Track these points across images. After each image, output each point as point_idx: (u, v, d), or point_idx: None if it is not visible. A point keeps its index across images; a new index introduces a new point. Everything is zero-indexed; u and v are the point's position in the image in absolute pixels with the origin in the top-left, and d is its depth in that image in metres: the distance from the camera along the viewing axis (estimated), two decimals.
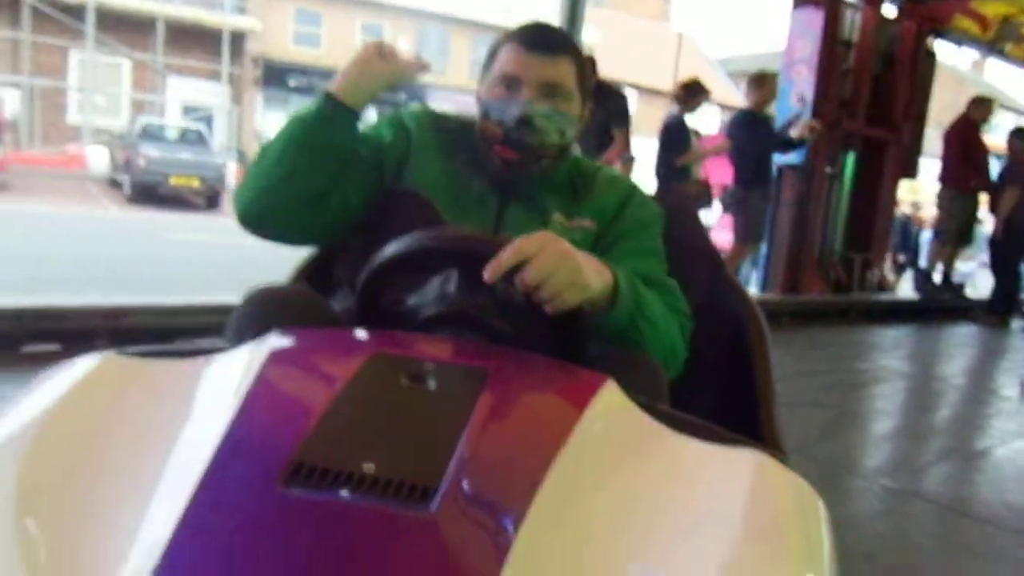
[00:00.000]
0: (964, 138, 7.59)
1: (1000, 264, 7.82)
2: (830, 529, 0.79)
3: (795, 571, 0.67)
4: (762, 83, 5.58)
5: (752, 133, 5.55)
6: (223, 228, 10.97)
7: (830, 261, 7.65)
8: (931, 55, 8.24)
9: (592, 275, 1.04)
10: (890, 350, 6.41)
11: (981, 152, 7.67)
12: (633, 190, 1.39)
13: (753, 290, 6.95)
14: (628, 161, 5.20)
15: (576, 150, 1.45)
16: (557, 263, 0.98)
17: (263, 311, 1.09)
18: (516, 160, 1.27)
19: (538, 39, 1.27)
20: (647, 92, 25.71)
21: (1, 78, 15.22)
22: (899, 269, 11.94)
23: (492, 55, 1.32)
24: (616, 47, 26.33)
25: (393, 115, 1.39)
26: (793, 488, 0.81)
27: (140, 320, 3.60)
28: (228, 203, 14.14)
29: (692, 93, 5.39)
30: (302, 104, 1.24)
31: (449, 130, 1.37)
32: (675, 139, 5.38)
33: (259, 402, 0.75)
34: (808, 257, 7.36)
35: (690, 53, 25.90)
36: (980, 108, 7.56)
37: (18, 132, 18.38)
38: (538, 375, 0.93)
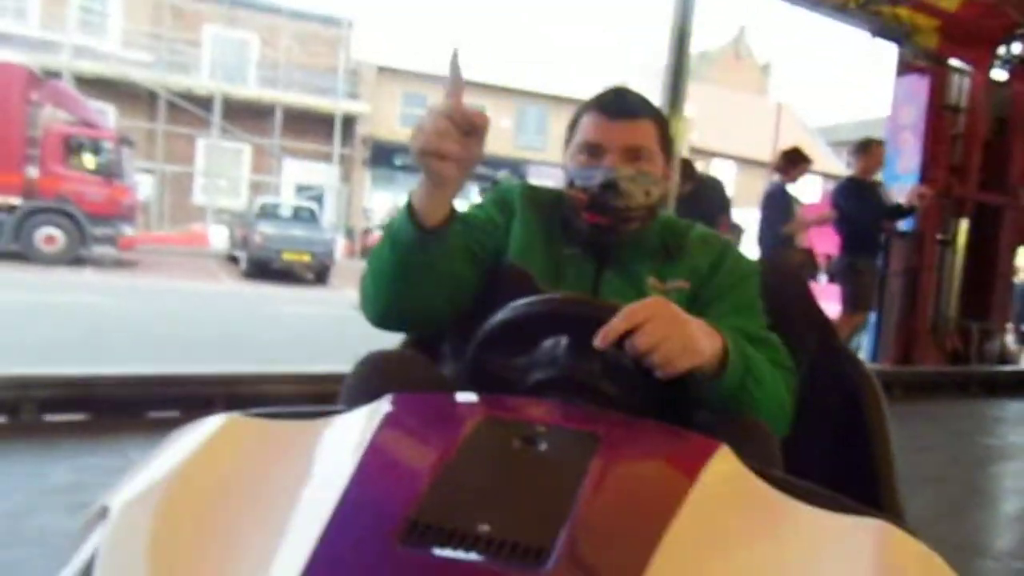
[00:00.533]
0: None
1: None
2: None
3: None
4: (867, 150, 5.49)
5: (859, 201, 5.46)
6: (332, 301, 11.44)
7: (945, 331, 7.32)
8: None
9: (703, 340, 1.05)
10: (1015, 424, 6.02)
11: None
12: (727, 247, 1.39)
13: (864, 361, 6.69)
14: (737, 232, 5.19)
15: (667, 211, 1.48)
16: (669, 329, 0.99)
17: (376, 375, 1.12)
18: (605, 224, 1.30)
19: (617, 105, 1.30)
20: (747, 163, 25.52)
21: (138, 165, 16.48)
22: (1022, 339, 11.28)
23: (573, 125, 1.36)
24: (716, 120, 26.36)
25: (496, 193, 1.43)
26: (923, 560, 0.78)
27: (254, 388, 3.79)
28: (336, 277, 14.76)
29: (793, 161, 5.36)
30: (398, 211, 1.21)
31: (545, 202, 1.39)
32: (778, 207, 5.34)
33: (375, 463, 0.76)
34: (921, 326, 7.06)
35: (790, 123, 25.62)
36: None
37: (149, 214, 19.81)
38: (650, 440, 0.93)
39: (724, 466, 0.85)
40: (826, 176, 23.97)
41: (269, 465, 0.80)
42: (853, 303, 5.60)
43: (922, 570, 0.76)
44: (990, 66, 7.41)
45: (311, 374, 3.89)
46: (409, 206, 1.16)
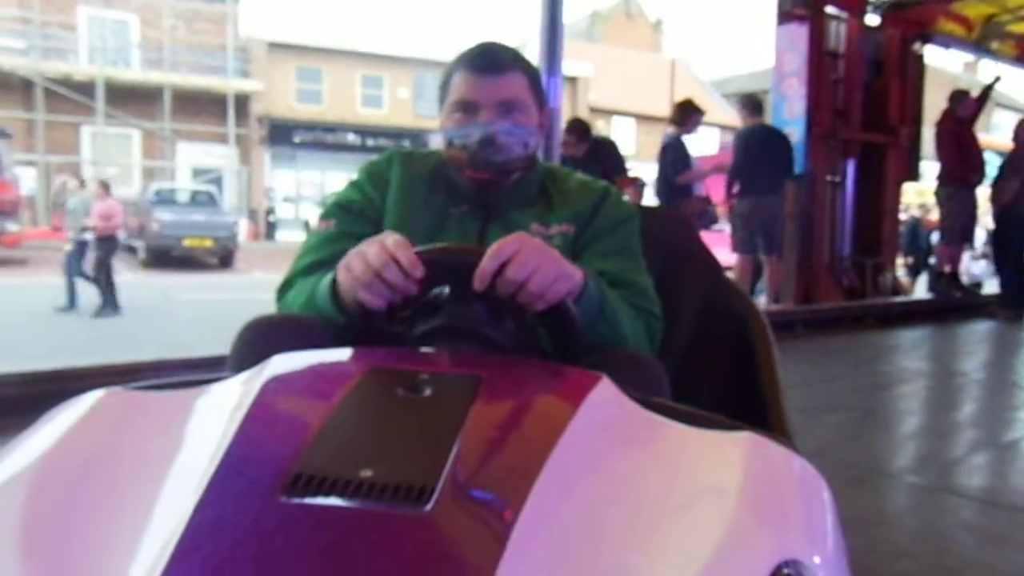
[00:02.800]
0: (954, 134, 7.62)
1: (1002, 256, 7.81)
2: (835, 511, 0.79)
3: (795, 543, 0.67)
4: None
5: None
6: (238, 286, 11.10)
7: (841, 268, 7.66)
8: (919, 59, 8.34)
9: (572, 268, 1.08)
10: (908, 351, 6.38)
11: (973, 147, 7.69)
12: (607, 191, 1.41)
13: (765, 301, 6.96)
14: (639, 186, 5.28)
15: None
16: (538, 258, 1.01)
17: (261, 338, 1.11)
18: (487, 180, 1.31)
19: (486, 60, 1.30)
20: (646, 119, 25.94)
21: (18, 157, 15.58)
22: (912, 271, 11.90)
23: (445, 85, 1.35)
24: (613, 79, 26.67)
25: (369, 167, 1.42)
26: (792, 466, 0.81)
27: (157, 376, 3.65)
28: (241, 261, 14.36)
29: (687, 113, 5.48)
30: (320, 290, 1.19)
31: (425, 166, 1.40)
32: (674, 159, 5.45)
33: (257, 421, 0.75)
34: (819, 266, 7.37)
35: (684, 78, 26.14)
36: (962, 104, 7.62)
37: (35, 208, 18.77)
38: (532, 378, 0.95)
39: (605, 395, 0.87)
40: (722, 127, 24.60)
41: (148, 436, 0.78)
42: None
43: (792, 475, 0.79)
44: (863, 12, 7.71)
45: (209, 357, 3.77)
46: (335, 292, 1.14)
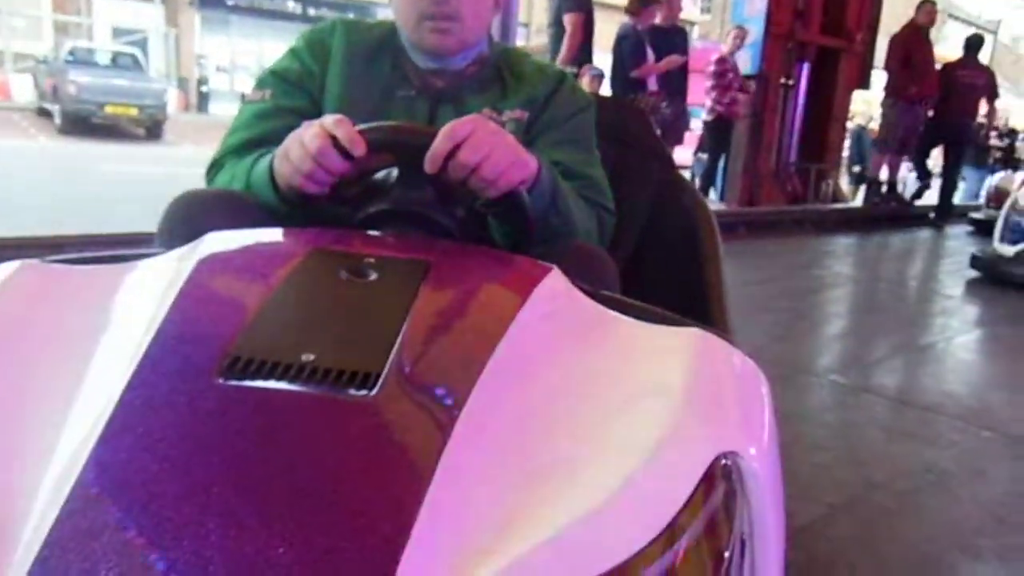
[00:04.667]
0: (907, 44, 7.62)
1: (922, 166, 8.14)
2: (771, 405, 0.81)
3: (733, 436, 0.68)
4: None
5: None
6: (166, 158, 10.56)
7: (787, 173, 7.76)
8: None
9: (527, 155, 1.04)
10: (841, 257, 6.58)
11: (925, 59, 7.71)
12: (564, 77, 1.36)
13: (712, 202, 7.05)
14: (597, 77, 5.18)
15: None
16: (493, 141, 0.97)
17: (193, 214, 1.04)
18: (446, 31, 1.21)
19: None
20: (605, 7, 25.17)
21: None
22: (856, 180, 12.11)
23: None
24: None
25: (310, 35, 1.32)
26: (734, 362, 0.83)
27: (74, 251, 3.53)
28: (171, 132, 13.64)
29: (643, 2, 5.34)
30: (257, 171, 1.13)
31: (369, 39, 1.30)
32: (630, 51, 5.35)
33: (192, 300, 0.72)
34: (765, 170, 7.45)
35: None
36: (924, 12, 7.59)
37: None
38: (481, 266, 0.93)
39: (554, 286, 0.85)
40: (688, 23, 24.08)
41: (71, 311, 0.74)
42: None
43: (732, 370, 0.81)
44: None
45: (140, 233, 3.65)
46: (272, 178, 1.08)
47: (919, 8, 7.57)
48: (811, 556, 1.81)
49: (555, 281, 0.87)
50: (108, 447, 0.55)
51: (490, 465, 0.58)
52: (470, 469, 0.57)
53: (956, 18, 32.14)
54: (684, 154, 7.13)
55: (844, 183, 9.90)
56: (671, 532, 0.57)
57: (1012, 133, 13.54)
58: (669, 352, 0.78)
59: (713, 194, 7.31)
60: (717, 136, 6.89)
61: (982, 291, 5.11)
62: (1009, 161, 11.74)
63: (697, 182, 7.05)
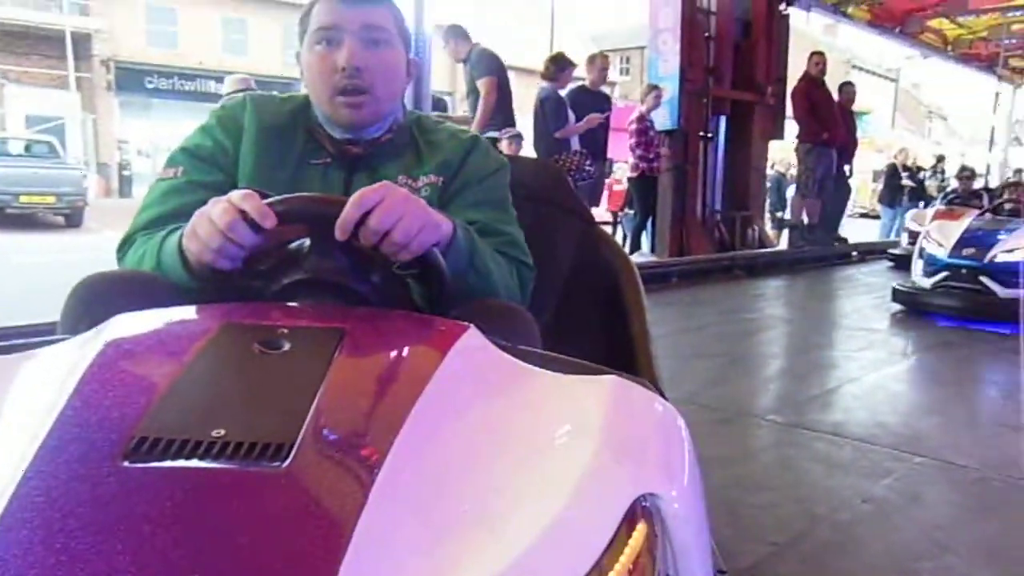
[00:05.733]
0: (807, 94, 8.11)
1: None
2: (692, 449, 0.83)
3: (653, 478, 0.70)
4: (592, 62, 5.84)
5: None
6: (80, 246, 10.05)
7: (713, 221, 8.00)
8: (784, 20, 8.72)
9: (437, 217, 1.05)
10: (771, 299, 6.77)
11: (827, 106, 8.22)
12: (476, 141, 1.38)
13: (644, 255, 7.22)
14: (515, 139, 5.30)
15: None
16: (403, 207, 0.97)
17: (98, 296, 1.01)
18: (359, 105, 1.23)
19: None
20: (525, 72, 25.88)
21: None
22: (779, 225, 12.53)
23: (306, 17, 1.26)
24: (490, 28, 26.37)
25: (221, 112, 1.31)
26: (652, 406, 0.85)
27: None
28: (92, 220, 13.22)
29: (560, 67, 5.53)
30: (167, 250, 1.11)
31: (282, 112, 1.30)
32: (551, 113, 5.50)
33: (96, 384, 0.69)
34: (692, 219, 7.67)
35: (564, 31, 26.18)
36: (813, 63, 8.16)
37: None
38: (397, 329, 0.92)
39: (472, 344, 0.86)
40: (609, 84, 24.84)
41: None
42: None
43: (651, 415, 0.83)
44: None
45: (41, 324, 3.48)
46: (182, 255, 1.06)
47: (809, 60, 8.10)
48: None
49: (472, 339, 0.87)
50: (4, 537, 0.52)
51: (411, 524, 0.58)
52: (391, 529, 0.56)
53: (860, 68, 34.01)
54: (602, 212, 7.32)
55: (769, 228, 10.24)
56: (596, 574, 0.57)
57: (919, 171, 14.27)
58: (586, 399, 0.79)
59: (645, 246, 7.47)
60: (643, 191, 7.10)
61: (905, 323, 5.31)
62: (920, 198, 12.34)
63: (628, 237, 7.22)
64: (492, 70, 5.20)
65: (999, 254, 5.22)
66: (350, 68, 1.21)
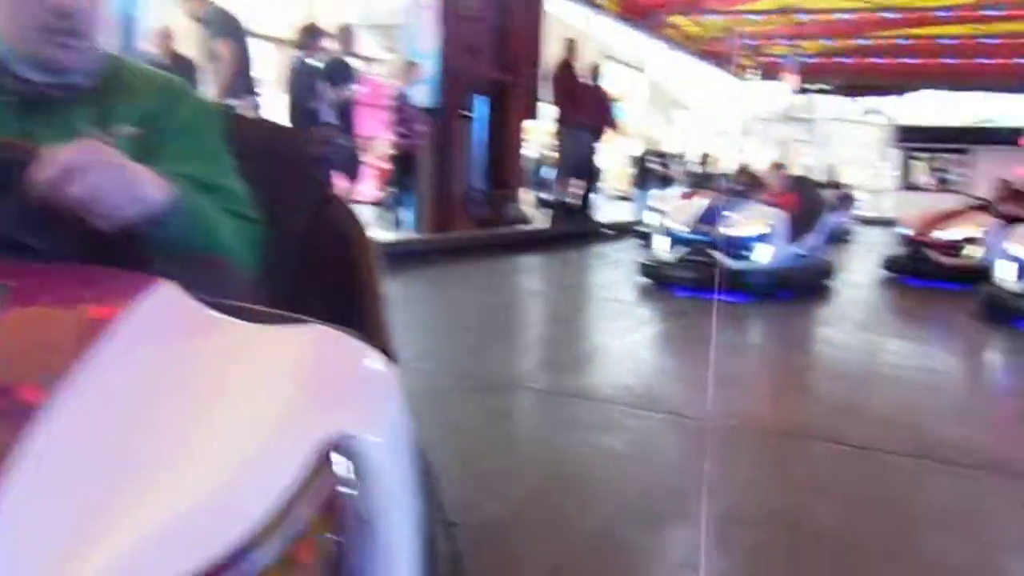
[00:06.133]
0: (564, 80, 8.55)
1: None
2: (402, 398, 0.84)
3: (348, 421, 0.69)
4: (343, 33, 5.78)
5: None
6: None
7: (475, 199, 8.16)
8: (539, 4, 9.07)
9: (148, 186, 0.98)
10: (528, 273, 7.05)
11: (582, 91, 8.70)
12: (183, 88, 1.29)
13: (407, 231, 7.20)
14: (254, 107, 5.04)
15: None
16: (111, 176, 0.91)
17: None
18: (63, 47, 1.11)
19: None
20: (277, 41, 24.85)
21: None
22: (540, 204, 13.07)
23: None
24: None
25: None
26: (358, 356, 0.84)
27: None
28: None
29: (311, 36, 5.34)
30: None
31: None
32: (301, 85, 5.31)
33: None
34: (453, 197, 7.77)
35: (324, 3, 25.49)
36: (567, 49, 8.59)
37: None
38: (76, 283, 0.87)
39: (162, 296, 0.82)
40: (367, 59, 24.50)
41: None
42: None
43: (352, 361, 0.83)
44: None
45: None
46: None
47: (564, 46, 8.55)
48: (505, 548, 1.86)
49: (162, 292, 0.83)
50: None
51: (80, 467, 0.56)
52: (55, 473, 0.55)
53: (613, 59, 36.30)
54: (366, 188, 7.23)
55: (530, 208, 10.63)
56: (282, 514, 0.57)
57: (666, 157, 15.54)
58: (286, 347, 0.78)
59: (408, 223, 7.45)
60: (402, 168, 7.06)
61: (651, 294, 5.72)
62: (667, 181, 13.46)
63: (391, 214, 7.17)
64: (229, 32, 4.90)
65: (729, 229, 5.72)
66: (62, 8, 1.09)
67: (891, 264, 7.33)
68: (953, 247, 6.82)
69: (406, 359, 3.68)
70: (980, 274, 6.25)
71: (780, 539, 2.00)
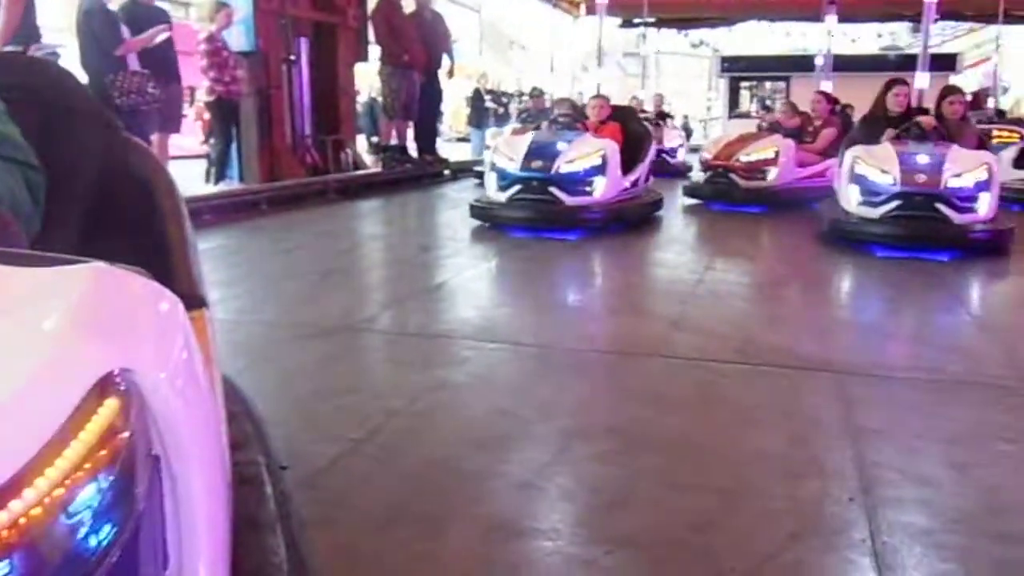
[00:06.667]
0: (387, 16, 8.32)
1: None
2: (190, 333, 0.83)
3: (130, 355, 0.67)
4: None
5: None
6: None
7: (304, 146, 7.87)
8: None
9: None
10: (367, 219, 6.93)
11: (407, 28, 8.48)
12: None
13: (231, 182, 6.87)
14: (52, 55, 4.58)
15: None
16: None
17: None
18: None
19: None
20: None
21: None
22: (375, 149, 12.82)
23: None
24: None
25: None
26: (144, 293, 0.82)
27: None
28: None
29: None
30: None
31: None
32: (100, 28, 4.88)
33: None
34: (281, 144, 7.46)
35: None
36: None
37: None
38: None
39: None
40: (175, 1, 22.77)
41: None
42: None
43: (134, 296, 0.81)
44: None
45: None
46: None
47: None
48: (340, 489, 1.86)
49: None
50: None
51: None
52: None
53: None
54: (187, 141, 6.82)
55: (365, 152, 10.41)
56: (48, 454, 0.55)
57: (504, 96, 15.60)
58: (59, 286, 0.74)
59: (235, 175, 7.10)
60: (223, 117, 6.69)
61: (485, 234, 5.74)
62: (505, 120, 13.58)
63: (213, 165, 6.81)
64: None
65: (562, 165, 5.61)
66: None
67: (692, 191, 7.58)
68: (752, 170, 7.12)
69: (241, 310, 3.61)
70: (775, 196, 6.76)
71: (617, 447, 2.12)
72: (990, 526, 1.72)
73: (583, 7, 18.94)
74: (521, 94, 15.54)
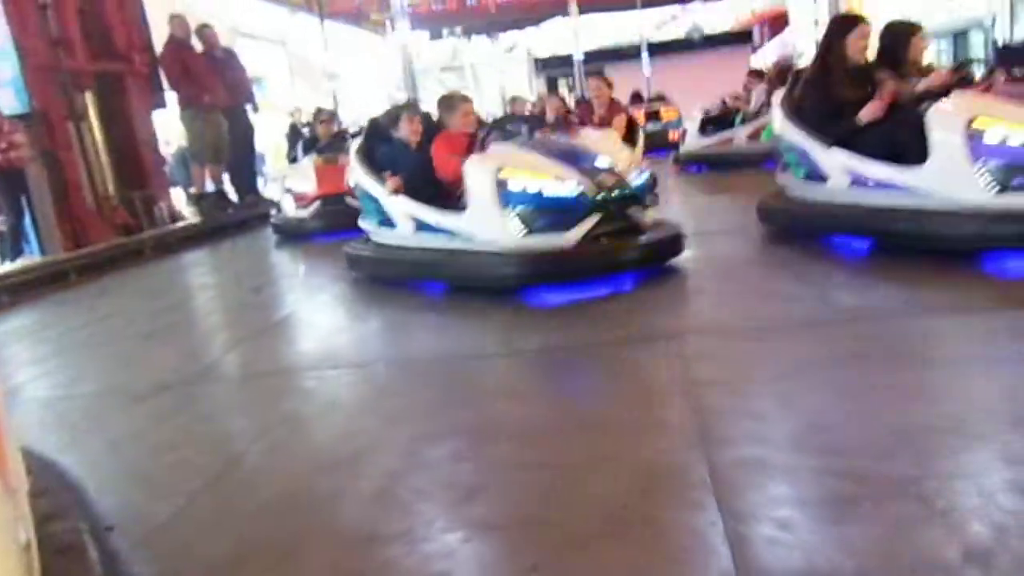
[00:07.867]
0: (179, 58, 7.96)
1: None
2: None
3: None
4: None
5: None
6: None
7: (110, 207, 7.36)
8: None
9: None
10: (191, 271, 6.53)
11: (201, 67, 8.12)
12: None
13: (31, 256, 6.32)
14: None
15: None
16: None
17: None
18: None
19: None
20: None
21: None
22: (189, 199, 12.18)
23: None
24: None
25: None
26: None
27: None
28: None
29: None
30: None
31: None
32: None
33: None
34: (82, 209, 6.95)
35: None
36: (176, 24, 8.02)
37: None
38: None
39: None
40: None
41: None
42: None
43: None
44: None
45: None
46: None
47: (170, 23, 7.89)
48: (172, 546, 1.74)
49: None
50: None
51: None
52: None
53: (249, 36, 34.37)
54: None
55: (185, 204, 9.83)
56: None
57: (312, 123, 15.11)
58: None
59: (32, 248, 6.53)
60: (8, 188, 6.15)
61: (321, 267, 5.54)
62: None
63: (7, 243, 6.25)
64: None
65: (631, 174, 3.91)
66: None
67: None
68: None
69: (55, 386, 3.29)
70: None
71: (466, 443, 2.10)
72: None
73: (388, 24, 18.90)
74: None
